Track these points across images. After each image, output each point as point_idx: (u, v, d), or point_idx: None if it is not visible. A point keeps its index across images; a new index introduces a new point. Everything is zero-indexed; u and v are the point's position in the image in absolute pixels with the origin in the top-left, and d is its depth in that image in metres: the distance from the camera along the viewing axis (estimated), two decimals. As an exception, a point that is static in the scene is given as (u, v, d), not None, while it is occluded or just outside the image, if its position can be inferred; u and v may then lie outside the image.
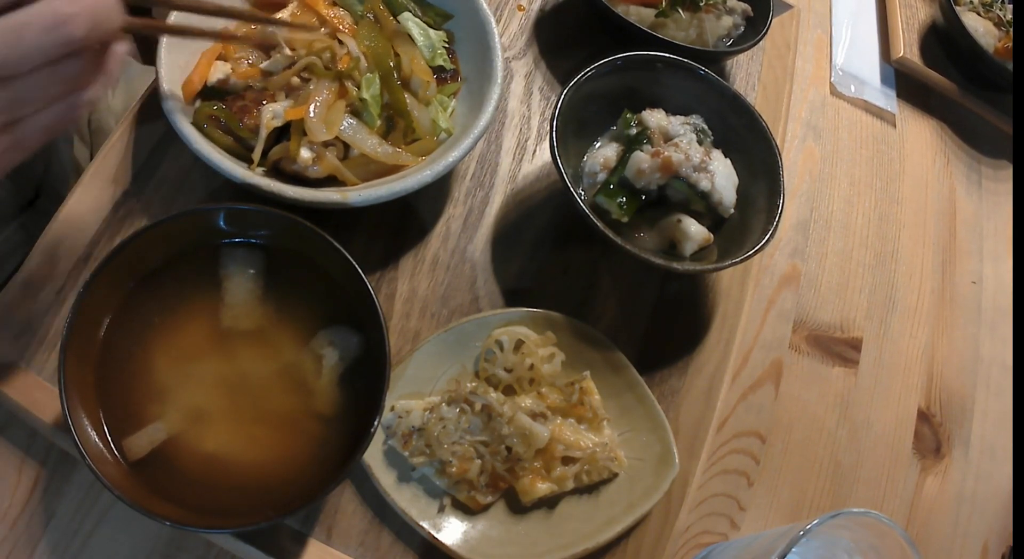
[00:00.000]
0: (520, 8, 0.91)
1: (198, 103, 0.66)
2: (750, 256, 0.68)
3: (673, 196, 0.73)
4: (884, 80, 1.06)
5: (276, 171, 0.66)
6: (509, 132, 0.82)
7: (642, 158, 0.71)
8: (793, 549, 0.52)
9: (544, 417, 0.64)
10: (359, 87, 0.66)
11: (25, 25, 0.39)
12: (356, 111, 0.67)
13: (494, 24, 0.74)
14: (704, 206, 0.73)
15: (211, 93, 0.67)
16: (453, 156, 0.66)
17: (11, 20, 0.38)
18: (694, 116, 0.77)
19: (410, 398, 0.64)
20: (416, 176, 0.64)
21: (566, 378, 0.67)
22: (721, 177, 0.72)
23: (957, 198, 1.01)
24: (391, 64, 0.69)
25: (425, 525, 0.61)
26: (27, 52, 0.39)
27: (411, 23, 0.71)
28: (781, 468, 0.76)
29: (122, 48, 0.46)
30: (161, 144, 0.70)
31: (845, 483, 0.78)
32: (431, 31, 0.72)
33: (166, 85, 0.63)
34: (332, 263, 0.58)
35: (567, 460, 0.64)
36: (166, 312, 0.58)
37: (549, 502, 0.64)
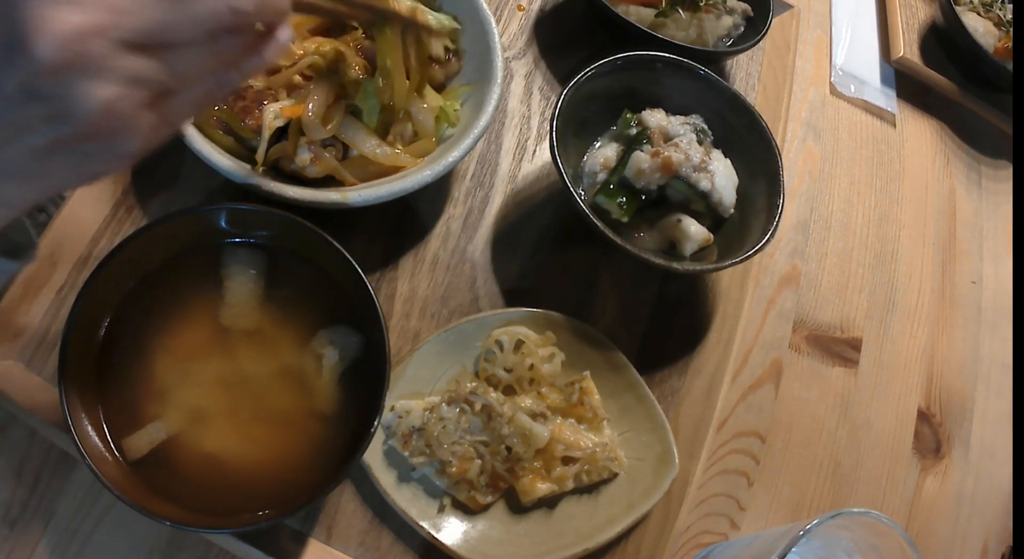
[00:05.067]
0: (520, 8, 0.91)
1: (198, 103, 0.66)
2: (750, 256, 0.68)
3: (673, 196, 0.73)
4: (884, 80, 1.06)
5: (275, 170, 0.66)
6: (509, 132, 0.82)
7: (642, 158, 0.71)
8: (793, 549, 0.52)
9: (544, 417, 0.64)
10: (359, 89, 0.66)
11: None
12: (356, 111, 0.67)
13: (494, 24, 0.73)
14: (704, 206, 0.73)
15: (211, 93, 0.67)
16: (453, 156, 0.66)
17: None
18: (694, 116, 0.77)
19: (410, 398, 0.64)
20: (416, 176, 0.64)
21: (566, 378, 0.67)
22: (721, 177, 0.72)
23: (957, 198, 1.01)
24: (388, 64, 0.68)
25: (425, 525, 0.61)
26: (195, 19, 0.37)
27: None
28: (781, 468, 0.76)
29: (285, 35, 0.44)
30: (161, 144, 0.70)
31: (845, 483, 0.77)
32: (441, 15, 0.72)
33: (166, 85, 0.63)
34: (332, 263, 0.58)
35: (567, 460, 0.64)
36: (166, 312, 0.58)
37: (549, 502, 0.64)
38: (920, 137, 1.03)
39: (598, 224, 0.67)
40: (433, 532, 0.61)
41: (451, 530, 0.61)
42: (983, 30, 1.03)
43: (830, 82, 1.02)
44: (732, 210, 0.74)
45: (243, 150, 0.66)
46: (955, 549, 0.79)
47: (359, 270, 0.57)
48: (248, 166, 0.64)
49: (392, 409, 0.63)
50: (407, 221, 0.74)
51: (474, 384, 0.64)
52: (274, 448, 0.56)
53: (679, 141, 0.73)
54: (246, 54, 0.42)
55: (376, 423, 0.53)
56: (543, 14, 0.92)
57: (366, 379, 0.57)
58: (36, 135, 0.35)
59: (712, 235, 0.74)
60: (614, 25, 0.85)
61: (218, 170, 0.61)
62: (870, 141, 1.00)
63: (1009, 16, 1.06)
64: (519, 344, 0.66)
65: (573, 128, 0.73)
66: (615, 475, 0.66)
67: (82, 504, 0.58)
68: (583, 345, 0.69)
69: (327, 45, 0.67)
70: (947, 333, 0.90)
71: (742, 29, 0.92)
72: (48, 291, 0.63)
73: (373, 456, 0.62)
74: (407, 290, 0.71)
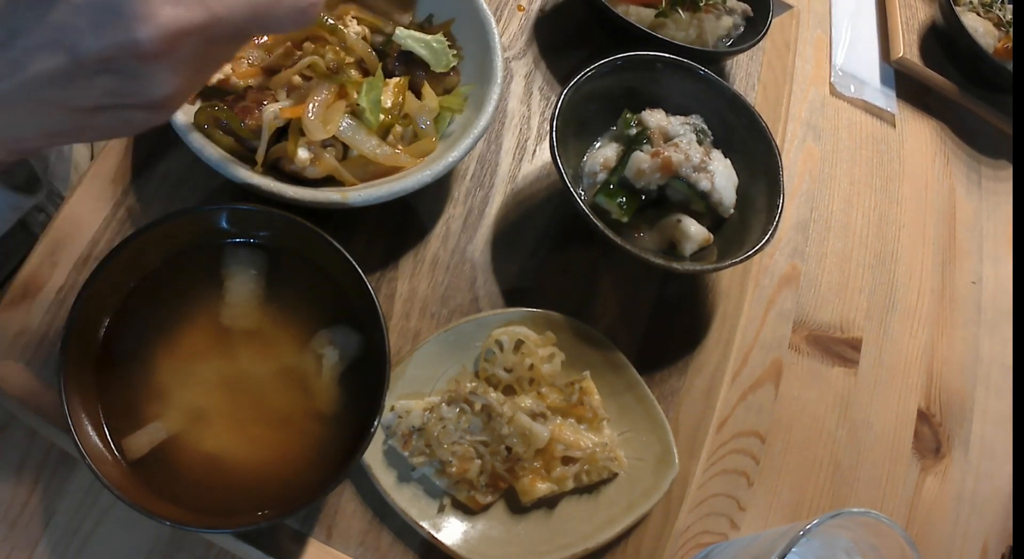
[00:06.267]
0: (520, 8, 0.91)
1: (198, 103, 0.66)
2: (750, 256, 0.68)
3: (673, 196, 0.73)
4: (884, 80, 1.06)
5: (275, 170, 0.66)
6: (509, 132, 0.82)
7: (642, 158, 0.71)
8: (793, 549, 0.52)
9: (544, 417, 0.64)
10: (359, 92, 0.66)
11: (279, 1, 0.38)
12: (356, 111, 0.67)
13: (494, 24, 0.73)
14: (704, 206, 0.73)
15: (211, 93, 0.67)
16: (453, 156, 0.66)
17: None
18: (694, 116, 0.77)
19: (410, 398, 0.64)
20: (416, 176, 0.64)
21: (566, 378, 0.67)
22: (721, 177, 0.72)
23: (957, 198, 1.01)
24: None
25: (425, 525, 0.61)
26: (268, 27, 0.39)
27: (410, 41, 0.71)
28: (781, 468, 0.76)
29: None
30: (161, 144, 0.70)
31: (845, 483, 0.78)
32: (432, 41, 0.72)
33: (166, 85, 0.63)
34: (332, 263, 0.58)
35: (567, 460, 0.64)
36: (166, 312, 0.58)
37: (549, 502, 0.64)
38: (920, 137, 1.03)
39: (598, 224, 0.67)
40: (433, 532, 0.61)
41: (451, 530, 0.61)
42: (983, 30, 1.03)
43: (830, 82, 1.02)
44: (732, 210, 0.74)
45: (243, 150, 0.66)
46: (955, 549, 0.79)
47: (359, 270, 0.57)
48: (248, 166, 0.64)
49: (392, 409, 0.63)
50: (407, 221, 0.74)
51: (474, 384, 0.64)
52: (274, 448, 0.56)
53: (679, 141, 0.73)
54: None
55: (376, 423, 0.53)
56: (543, 14, 0.92)
57: (366, 379, 0.57)
58: (91, 99, 0.37)
59: (712, 235, 0.74)
60: (614, 25, 0.85)
61: (218, 170, 0.61)
62: (870, 141, 1.00)
63: (1009, 16, 1.06)
64: (519, 344, 0.66)
65: (573, 128, 0.73)
66: (615, 475, 0.65)
67: (82, 504, 0.58)
68: (583, 345, 0.69)
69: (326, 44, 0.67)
70: (947, 333, 0.90)
71: (742, 29, 0.92)
72: (48, 291, 0.63)
73: (373, 456, 0.62)
74: (407, 290, 0.71)
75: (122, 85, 0.36)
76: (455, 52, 0.73)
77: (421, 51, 0.70)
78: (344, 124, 0.65)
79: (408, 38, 0.70)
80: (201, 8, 0.36)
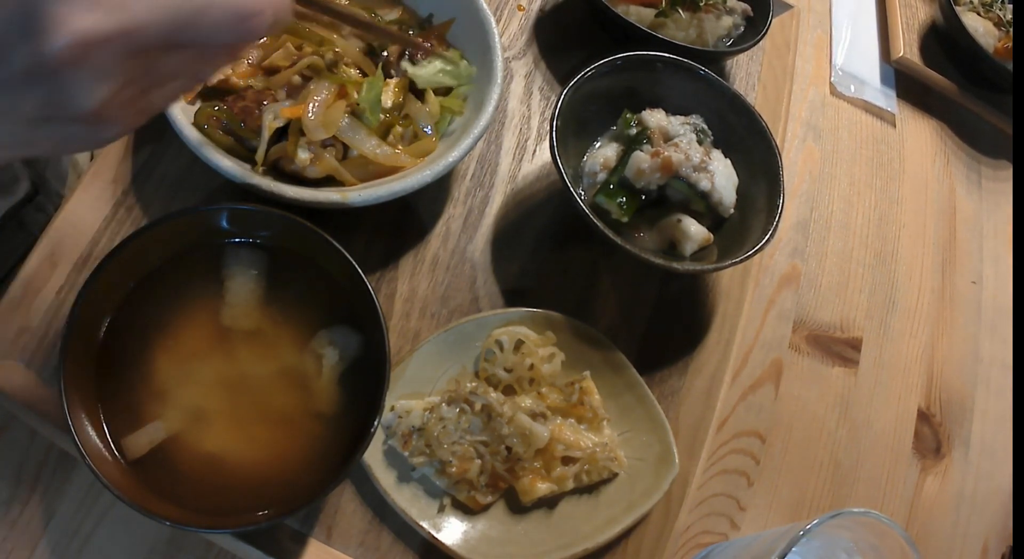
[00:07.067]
0: (520, 8, 0.91)
1: (198, 103, 0.66)
2: (750, 256, 0.68)
3: (673, 196, 0.73)
4: (884, 80, 1.06)
5: (275, 170, 0.66)
6: (509, 132, 0.82)
7: (642, 158, 0.71)
8: (793, 549, 0.52)
9: (544, 417, 0.64)
10: (359, 92, 0.66)
11: (209, 6, 0.36)
12: (356, 111, 0.67)
13: (494, 24, 0.73)
14: (704, 206, 0.73)
15: (211, 93, 0.67)
16: (453, 156, 0.66)
17: None
18: (694, 116, 0.77)
19: (410, 398, 0.64)
20: (416, 176, 0.64)
21: (566, 378, 0.67)
22: (721, 177, 0.72)
23: (957, 198, 1.01)
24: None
25: (425, 525, 0.61)
26: (199, 35, 0.37)
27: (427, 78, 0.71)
28: (781, 468, 0.76)
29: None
30: (161, 144, 0.70)
31: (845, 483, 0.78)
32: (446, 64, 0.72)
33: (166, 85, 0.63)
34: (332, 263, 0.58)
35: (567, 460, 0.64)
36: (166, 312, 0.58)
37: (549, 502, 0.64)
38: (920, 137, 1.03)
39: (598, 224, 0.67)
40: (433, 532, 0.61)
41: (451, 530, 0.61)
42: (983, 30, 1.03)
43: (830, 82, 1.02)
44: (732, 210, 0.74)
45: (243, 150, 0.66)
46: (955, 549, 0.79)
47: (359, 270, 0.57)
48: (248, 166, 0.64)
49: (392, 409, 0.63)
50: (407, 221, 0.74)
51: (474, 384, 0.64)
52: (274, 448, 0.56)
53: (679, 141, 0.73)
54: (226, 52, 0.43)
55: (376, 423, 0.53)
56: (543, 14, 0.92)
57: (366, 379, 0.57)
58: (30, 109, 0.37)
59: (712, 235, 0.74)
60: (614, 25, 0.85)
61: (218, 170, 0.61)
62: (870, 141, 1.00)
63: (1009, 16, 1.06)
64: (519, 344, 0.66)
65: (573, 128, 0.73)
66: (615, 475, 0.66)
67: (82, 504, 0.58)
68: (583, 345, 0.69)
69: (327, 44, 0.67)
70: (947, 333, 0.90)
71: (742, 29, 0.92)
72: (48, 291, 0.63)
73: (373, 456, 0.62)
74: (407, 290, 0.71)
75: (50, 95, 0.36)
76: (460, 52, 0.73)
77: (444, 80, 0.71)
78: (344, 124, 0.65)
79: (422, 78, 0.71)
80: (117, 14, 0.34)
